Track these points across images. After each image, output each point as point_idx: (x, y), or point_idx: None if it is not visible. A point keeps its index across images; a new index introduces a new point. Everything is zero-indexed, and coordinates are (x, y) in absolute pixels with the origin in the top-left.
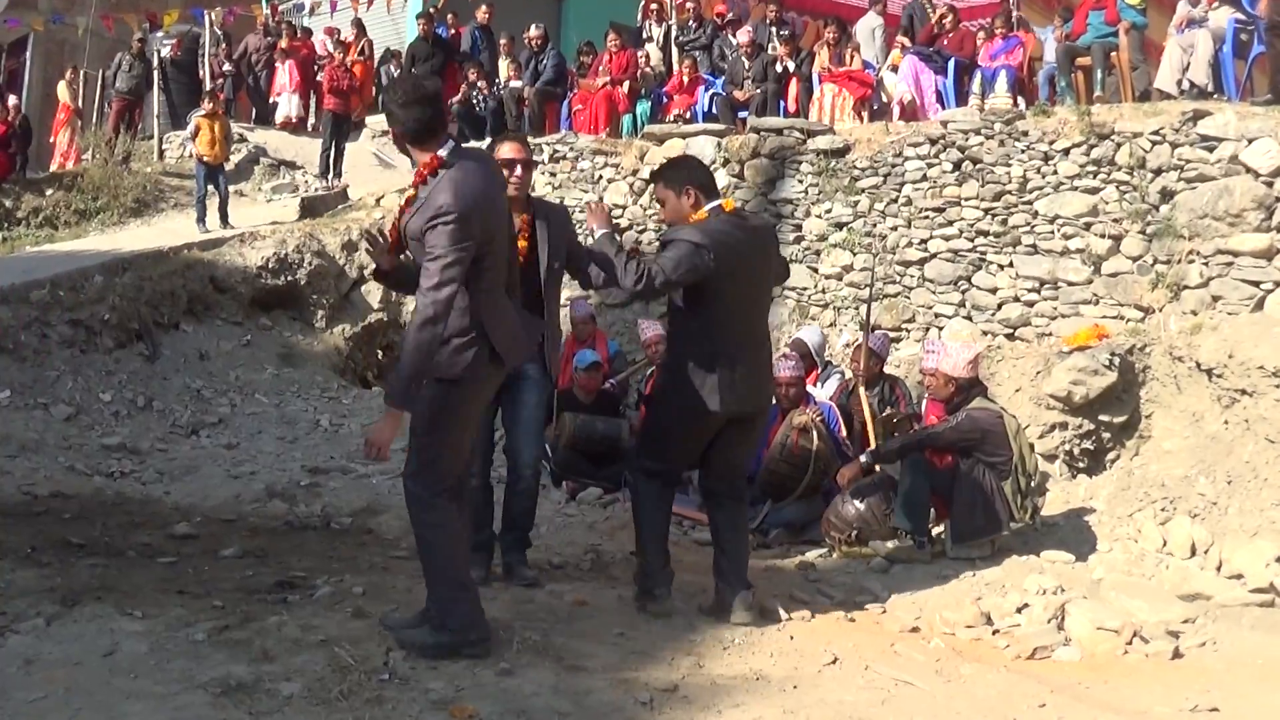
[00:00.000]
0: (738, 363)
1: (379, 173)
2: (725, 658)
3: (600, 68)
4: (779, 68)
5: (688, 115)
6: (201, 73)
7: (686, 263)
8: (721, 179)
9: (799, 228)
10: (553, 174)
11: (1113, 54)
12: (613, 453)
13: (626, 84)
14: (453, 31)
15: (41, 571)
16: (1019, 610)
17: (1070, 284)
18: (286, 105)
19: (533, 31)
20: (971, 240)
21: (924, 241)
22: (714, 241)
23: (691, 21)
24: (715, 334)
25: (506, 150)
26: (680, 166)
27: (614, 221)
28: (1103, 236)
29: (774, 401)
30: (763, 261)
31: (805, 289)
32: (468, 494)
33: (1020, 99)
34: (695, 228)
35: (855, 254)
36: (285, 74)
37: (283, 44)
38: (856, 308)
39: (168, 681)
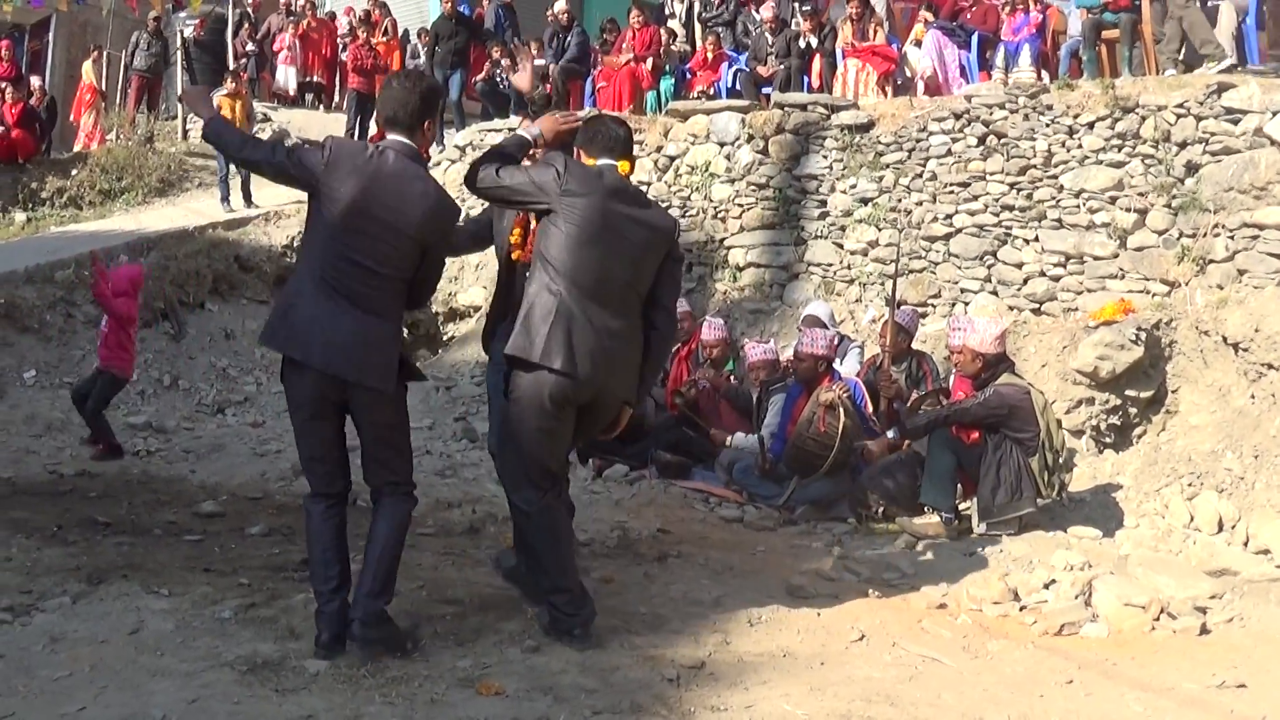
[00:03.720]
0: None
1: None
2: (752, 635)
3: (623, 45)
4: (802, 43)
5: (711, 92)
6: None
7: (536, 175)
8: (746, 155)
9: (824, 203)
10: None
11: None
12: (637, 430)
13: (650, 61)
14: (477, 10)
15: (67, 550)
16: (1046, 586)
17: (1096, 258)
18: (283, 77)
19: (559, 6)
20: (997, 215)
21: (949, 216)
22: (575, 170)
23: None
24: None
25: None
26: (580, 129)
27: None
28: (1128, 210)
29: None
30: (634, 245)
31: (830, 265)
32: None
33: (1044, 73)
34: (566, 158)
35: (880, 229)
36: (285, 44)
37: (305, 25)
38: (882, 283)
39: (194, 659)
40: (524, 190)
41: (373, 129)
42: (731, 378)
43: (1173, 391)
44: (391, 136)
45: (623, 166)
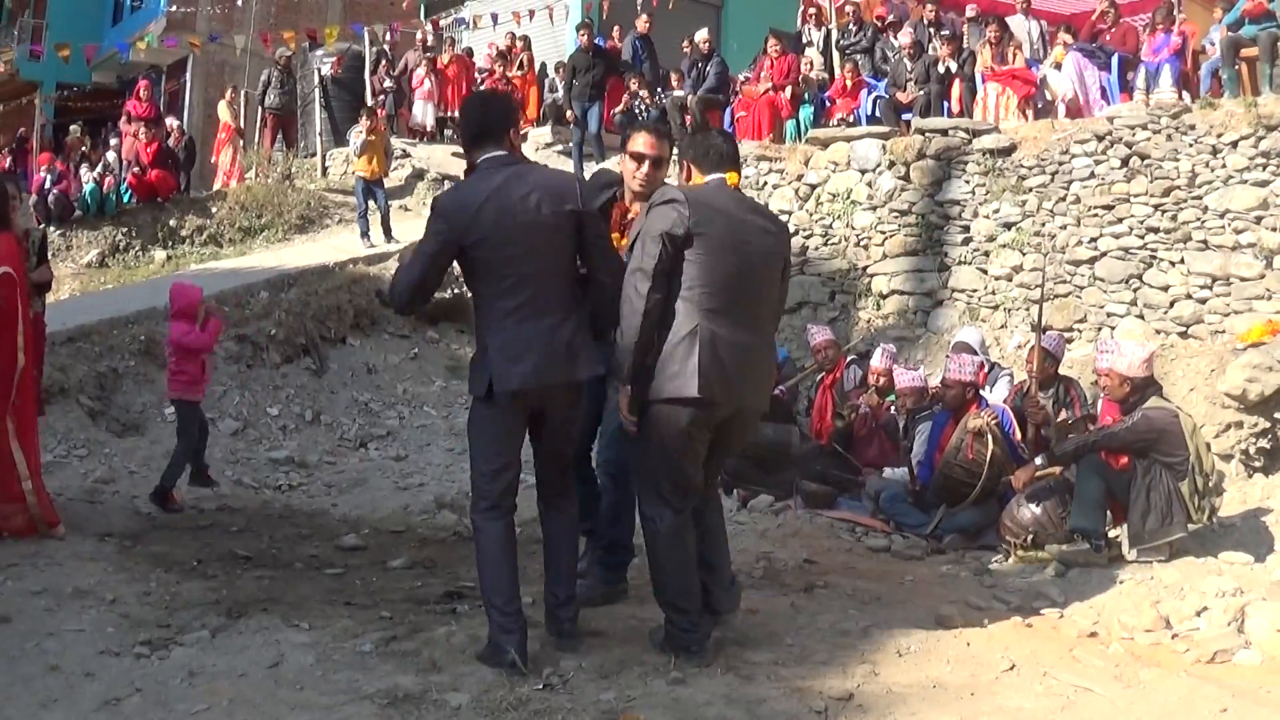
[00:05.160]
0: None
1: None
2: (900, 665)
3: (762, 73)
4: (941, 68)
5: (851, 119)
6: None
7: (657, 225)
8: (887, 181)
9: (967, 229)
10: None
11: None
12: (782, 459)
13: (789, 89)
14: (613, 42)
15: (207, 584)
16: (1198, 614)
17: (1243, 279)
18: (421, 113)
19: (699, 36)
20: (1142, 237)
21: (1094, 240)
22: (693, 200)
23: (852, 25)
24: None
25: (637, 144)
26: (686, 143)
27: None
28: (1274, 230)
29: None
30: (762, 249)
31: (975, 290)
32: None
33: (1185, 93)
34: (679, 189)
35: (1025, 254)
36: (420, 80)
37: (442, 59)
38: (1027, 308)
39: (333, 693)
40: (664, 254)
41: None
42: (892, 408)
43: None
44: (484, 155)
45: (731, 178)
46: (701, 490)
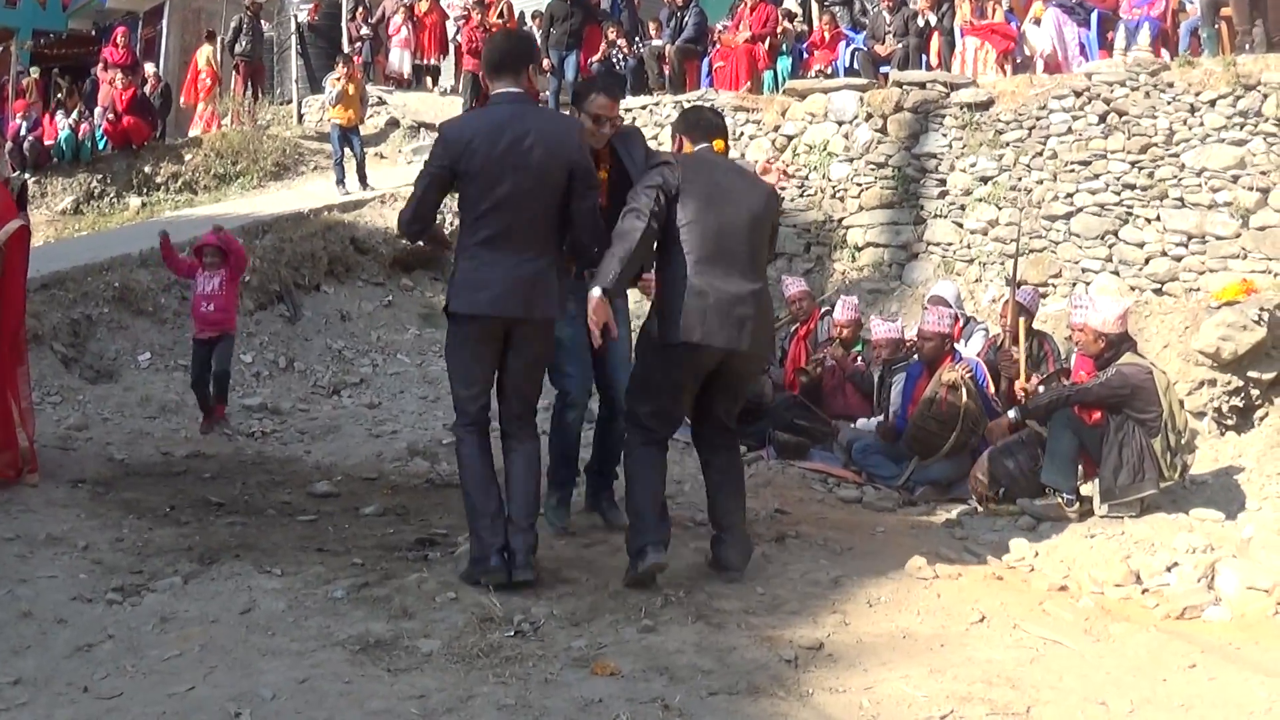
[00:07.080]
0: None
1: None
2: (871, 616)
3: (740, 23)
4: (920, 21)
5: (829, 71)
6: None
7: (653, 180)
8: (864, 134)
9: (943, 182)
10: None
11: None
12: (755, 410)
13: (767, 40)
14: None
15: (180, 530)
16: (1168, 569)
17: (1218, 238)
18: (398, 60)
19: None
20: (1118, 194)
21: (1070, 195)
22: (684, 162)
23: None
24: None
25: (597, 106)
26: (678, 120)
27: None
28: (1250, 189)
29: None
30: (746, 207)
31: (950, 244)
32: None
33: (1164, 50)
34: (672, 154)
35: (1000, 208)
36: (397, 28)
37: (420, 6)
38: (1002, 263)
39: (305, 639)
40: (658, 199)
41: None
42: (859, 359)
43: None
44: (498, 88)
45: (717, 145)
46: (677, 423)
